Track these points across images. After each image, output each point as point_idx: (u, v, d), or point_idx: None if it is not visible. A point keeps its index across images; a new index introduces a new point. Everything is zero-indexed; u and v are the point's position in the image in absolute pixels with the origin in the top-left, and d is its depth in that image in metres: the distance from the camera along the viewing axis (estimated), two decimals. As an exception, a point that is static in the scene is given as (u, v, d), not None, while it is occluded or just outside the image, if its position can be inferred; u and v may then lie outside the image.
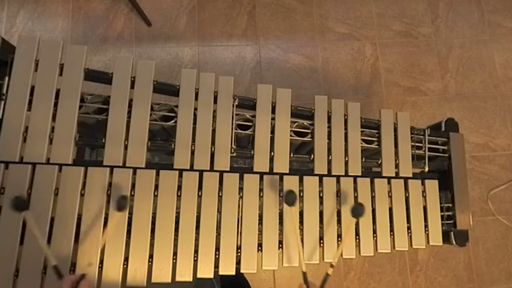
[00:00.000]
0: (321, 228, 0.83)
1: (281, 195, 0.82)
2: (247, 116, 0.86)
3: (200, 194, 0.78)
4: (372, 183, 0.88)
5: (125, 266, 0.72)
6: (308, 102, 0.91)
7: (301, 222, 0.82)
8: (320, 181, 0.85)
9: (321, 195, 0.84)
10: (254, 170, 0.82)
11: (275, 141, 0.84)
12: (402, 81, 1.78)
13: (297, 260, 0.80)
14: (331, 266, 0.73)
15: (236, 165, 0.83)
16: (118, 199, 0.70)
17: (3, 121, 0.73)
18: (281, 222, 0.81)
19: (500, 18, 1.90)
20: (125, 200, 0.71)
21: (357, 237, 0.84)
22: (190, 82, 0.83)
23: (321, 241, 0.82)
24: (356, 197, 0.86)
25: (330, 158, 0.86)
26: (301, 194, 0.83)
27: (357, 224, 0.84)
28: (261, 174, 0.82)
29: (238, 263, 0.77)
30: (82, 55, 0.79)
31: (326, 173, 0.85)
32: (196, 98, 0.82)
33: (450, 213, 0.94)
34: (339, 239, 0.83)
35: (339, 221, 0.84)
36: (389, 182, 0.89)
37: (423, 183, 0.92)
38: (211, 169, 0.79)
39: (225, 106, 0.83)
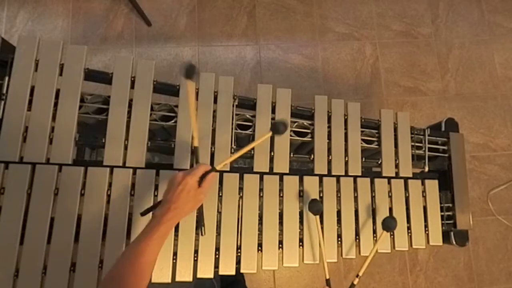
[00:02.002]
0: (321, 228, 0.83)
1: (281, 195, 0.81)
2: (247, 116, 0.86)
3: (200, 194, 0.78)
4: (372, 183, 0.88)
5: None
6: (308, 102, 0.91)
7: (301, 222, 0.82)
8: (320, 181, 0.85)
9: (321, 195, 0.84)
10: (254, 170, 0.82)
11: (275, 141, 0.84)
12: (402, 81, 1.78)
13: (297, 260, 0.80)
14: (357, 276, 0.74)
15: (236, 165, 0.83)
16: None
17: (3, 121, 0.73)
18: (281, 222, 0.81)
19: (500, 18, 1.90)
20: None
21: (357, 237, 0.84)
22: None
23: (340, 239, 0.82)
24: (356, 197, 0.86)
25: (330, 158, 0.86)
26: (301, 194, 0.83)
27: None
28: (261, 174, 0.82)
29: (238, 263, 0.77)
30: (82, 55, 0.79)
31: (326, 173, 0.85)
32: (196, 98, 0.82)
33: (450, 213, 0.94)
34: (339, 239, 0.83)
35: (339, 221, 0.84)
36: (389, 182, 0.89)
37: (423, 183, 0.92)
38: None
39: (225, 106, 0.83)
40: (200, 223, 0.74)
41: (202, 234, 0.73)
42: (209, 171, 0.66)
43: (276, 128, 0.69)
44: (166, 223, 0.60)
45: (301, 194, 0.83)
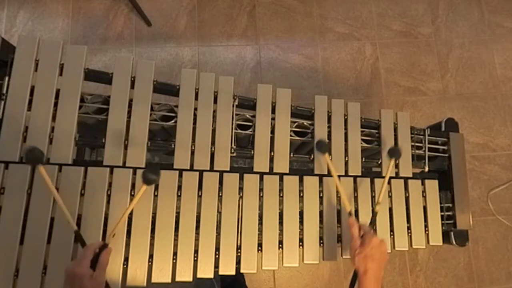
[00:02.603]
0: (321, 228, 0.83)
1: (281, 195, 0.82)
2: (247, 116, 0.86)
3: (200, 194, 0.78)
4: (372, 183, 0.88)
5: (125, 266, 0.72)
6: (308, 102, 0.91)
7: (301, 222, 0.82)
8: (320, 181, 0.85)
9: (321, 195, 0.84)
10: (254, 170, 0.82)
11: (275, 141, 0.84)
12: (402, 81, 1.78)
13: (297, 260, 0.80)
14: (378, 203, 0.77)
15: (236, 165, 0.83)
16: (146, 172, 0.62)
17: (3, 121, 0.73)
18: (281, 222, 0.81)
19: (500, 18, 1.90)
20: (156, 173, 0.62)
21: (357, 237, 0.84)
22: (190, 82, 0.83)
23: (321, 241, 0.82)
24: (356, 197, 0.86)
25: (330, 158, 0.86)
26: (301, 194, 0.83)
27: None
28: (261, 174, 0.82)
29: (238, 263, 0.77)
30: (82, 55, 0.79)
31: (326, 173, 0.85)
32: (196, 98, 0.82)
33: (450, 213, 0.94)
34: (339, 239, 0.83)
35: (339, 221, 0.84)
36: (389, 182, 0.89)
37: (423, 183, 0.92)
38: (211, 169, 0.79)
39: (225, 106, 0.83)
40: None
41: None
42: (100, 249, 0.60)
43: (148, 179, 0.62)
44: None
45: (301, 194, 0.83)
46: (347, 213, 0.75)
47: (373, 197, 0.87)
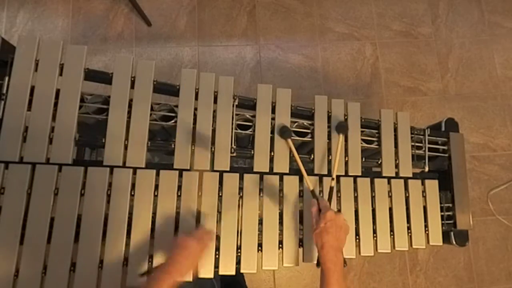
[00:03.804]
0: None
1: (281, 195, 0.82)
2: (247, 116, 0.86)
3: (200, 194, 0.78)
4: (372, 183, 0.88)
5: (125, 266, 0.72)
6: (308, 102, 0.91)
7: (301, 222, 0.82)
8: (321, 181, 0.85)
9: (321, 195, 0.84)
10: (254, 170, 0.82)
11: (275, 141, 0.84)
12: (402, 81, 1.78)
13: (297, 260, 0.80)
14: (333, 179, 0.78)
15: (236, 165, 0.83)
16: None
17: (3, 121, 0.73)
18: (281, 222, 0.81)
19: (500, 18, 1.90)
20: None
21: (357, 237, 0.84)
22: (190, 82, 0.83)
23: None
24: (356, 197, 0.86)
25: (330, 158, 0.86)
26: (301, 194, 0.83)
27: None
28: (261, 174, 0.82)
29: (238, 263, 0.77)
30: (82, 55, 0.79)
31: (326, 173, 0.85)
32: (196, 98, 0.82)
33: (450, 213, 0.94)
34: (339, 239, 0.83)
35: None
36: (389, 182, 0.89)
37: (423, 183, 0.92)
38: (211, 169, 0.79)
39: (225, 106, 0.83)
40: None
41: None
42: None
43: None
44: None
45: (301, 194, 0.83)
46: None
47: (373, 197, 0.87)
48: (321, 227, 0.68)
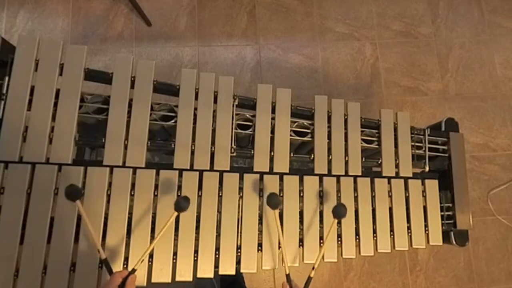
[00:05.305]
0: (321, 228, 0.83)
1: (281, 195, 0.82)
2: (247, 116, 0.86)
3: (200, 194, 0.78)
4: (372, 183, 0.88)
5: (125, 266, 0.72)
6: (308, 102, 0.91)
7: (301, 222, 0.82)
8: (320, 181, 0.85)
9: (321, 195, 0.84)
10: (254, 170, 0.82)
11: (275, 141, 0.84)
12: (402, 81, 1.78)
13: (297, 260, 0.80)
14: (313, 268, 0.72)
15: (236, 165, 0.83)
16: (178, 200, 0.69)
17: (3, 121, 0.73)
18: (281, 222, 0.81)
19: (500, 18, 1.90)
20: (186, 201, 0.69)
21: (357, 237, 0.84)
22: (190, 82, 0.83)
23: (321, 241, 0.82)
24: (356, 197, 0.86)
25: (330, 158, 0.86)
26: (301, 194, 0.83)
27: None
28: (261, 174, 0.82)
29: (238, 263, 0.77)
30: (82, 55, 0.79)
31: (326, 173, 0.85)
32: (196, 98, 0.82)
33: (450, 213, 0.94)
34: (339, 239, 0.83)
35: (339, 221, 0.84)
36: (389, 182, 0.89)
37: (423, 183, 0.92)
38: (211, 169, 0.79)
39: (225, 106, 0.83)
40: None
41: None
42: (127, 276, 0.62)
43: (179, 206, 0.69)
44: None
45: (301, 194, 0.83)
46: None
47: (373, 197, 0.87)
48: None
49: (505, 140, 1.76)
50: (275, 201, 0.73)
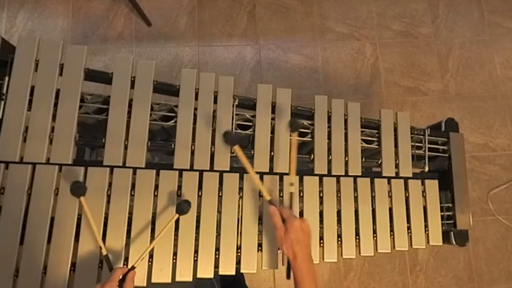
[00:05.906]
0: (321, 228, 0.83)
1: (281, 195, 0.81)
2: (247, 116, 0.86)
3: (200, 194, 0.78)
4: (372, 183, 0.88)
5: (125, 265, 0.72)
6: (308, 102, 0.91)
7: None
8: (320, 181, 0.85)
9: (321, 195, 0.84)
10: (254, 170, 0.82)
11: (275, 141, 0.84)
12: (402, 81, 1.78)
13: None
14: (291, 184, 0.76)
15: (236, 165, 0.83)
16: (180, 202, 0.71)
17: (3, 121, 0.73)
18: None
19: (500, 18, 1.90)
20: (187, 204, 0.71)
21: (357, 237, 0.84)
22: (190, 82, 0.83)
23: (321, 241, 0.82)
24: (356, 197, 0.86)
25: (330, 158, 0.86)
26: (301, 194, 0.83)
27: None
28: (261, 174, 0.82)
29: (238, 263, 0.77)
30: (82, 55, 0.79)
31: (326, 173, 0.85)
32: (196, 98, 0.82)
33: (450, 213, 0.94)
34: (339, 239, 0.83)
35: (339, 221, 0.84)
36: (389, 182, 0.89)
37: (423, 183, 0.92)
38: (211, 169, 0.79)
39: (225, 106, 0.83)
40: None
41: None
42: (127, 272, 0.64)
43: (180, 208, 0.71)
44: None
45: (301, 194, 0.83)
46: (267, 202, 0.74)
47: (373, 197, 0.87)
48: (292, 237, 0.66)
49: (505, 140, 1.76)
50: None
